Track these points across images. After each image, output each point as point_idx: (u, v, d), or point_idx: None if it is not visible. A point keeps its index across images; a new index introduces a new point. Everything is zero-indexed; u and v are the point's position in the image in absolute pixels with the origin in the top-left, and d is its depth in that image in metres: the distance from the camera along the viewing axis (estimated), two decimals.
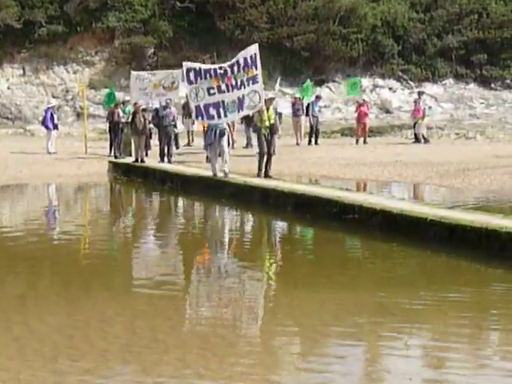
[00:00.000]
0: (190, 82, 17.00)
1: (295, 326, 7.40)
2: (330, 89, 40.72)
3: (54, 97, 36.29)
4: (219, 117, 16.85)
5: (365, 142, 28.22)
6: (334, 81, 41.11)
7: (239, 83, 16.60)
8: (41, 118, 29.14)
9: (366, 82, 39.90)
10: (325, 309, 7.92)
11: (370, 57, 41.56)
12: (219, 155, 17.18)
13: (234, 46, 37.65)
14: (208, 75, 16.81)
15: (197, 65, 17.77)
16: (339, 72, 41.37)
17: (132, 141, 22.47)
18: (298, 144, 27.07)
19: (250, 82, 16.55)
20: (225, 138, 17.19)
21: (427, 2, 43.55)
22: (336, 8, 40.82)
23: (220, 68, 16.90)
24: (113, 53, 39.36)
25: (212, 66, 17.45)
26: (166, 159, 21.63)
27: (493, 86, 42.33)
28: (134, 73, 24.87)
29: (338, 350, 6.69)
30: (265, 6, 40.45)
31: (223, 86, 16.70)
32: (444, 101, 41.27)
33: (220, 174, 17.01)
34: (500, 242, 9.87)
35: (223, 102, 16.73)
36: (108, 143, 25.45)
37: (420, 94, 31.40)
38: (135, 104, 22.31)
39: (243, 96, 16.61)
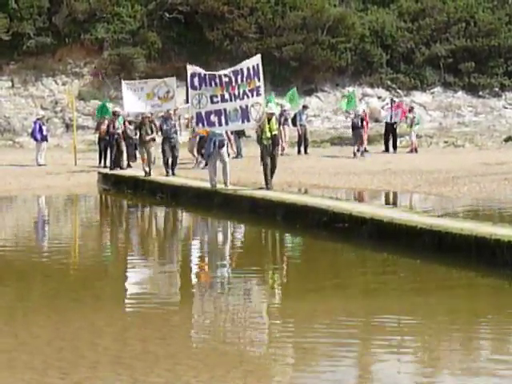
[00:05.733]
0: (194, 88, 16.58)
1: (286, 336, 7.39)
2: (320, 98, 40.79)
3: (42, 108, 36.21)
4: (220, 124, 16.55)
5: (365, 150, 27.97)
6: (323, 90, 41.19)
7: (241, 93, 16.29)
8: (30, 130, 29.07)
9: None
10: (316, 318, 7.90)
11: (358, 66, 41.63)
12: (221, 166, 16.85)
13: (223, 56, 37.69)
14: (213, 83, 16.44)
15: (201, 70, 17.13)
16: (328, 81, 41.43)
17: (138, 152, 22.28)
18: (281, 154, 26.59)
19: (254, 93, 16.28)
20: (224, 149, 17.01)
21: (415, 11, 43.69)
22: (324, 18, 40.94)
23: (225, 75, 16.51)
24: (102, 64, 39.28)
25: (217, 73, 16.99)
26: (170, 171, 20.48)
27: (481, 93, 42.45)
28: (124, 82, 24.79)
29: (330, 360, 6.67)
30: (253, 17, 40.52)
31: (226, 95, 16.36)
32: (432, 109, 41.39)
33: (220, 186, 16.77)
34: (490, 249, 9.89)
35: (225, 109, 16.42)
36: (98, 154, 25.39)
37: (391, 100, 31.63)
38: (143, 115, 22.03)
39: (247, 107, 16.30)
